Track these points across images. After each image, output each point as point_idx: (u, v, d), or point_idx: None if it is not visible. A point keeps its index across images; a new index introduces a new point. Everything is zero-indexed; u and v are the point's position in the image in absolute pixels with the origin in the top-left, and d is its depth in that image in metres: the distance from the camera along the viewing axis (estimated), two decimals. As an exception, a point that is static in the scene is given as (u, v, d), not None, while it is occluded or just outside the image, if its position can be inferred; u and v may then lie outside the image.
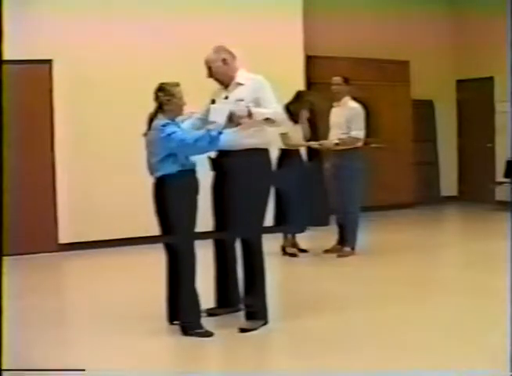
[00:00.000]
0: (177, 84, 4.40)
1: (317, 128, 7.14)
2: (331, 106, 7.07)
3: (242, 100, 4.36)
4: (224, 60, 4.48)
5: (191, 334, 4.29)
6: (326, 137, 7.02)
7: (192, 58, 7.45)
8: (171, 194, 4.28)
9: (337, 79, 6.95)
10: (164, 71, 7.33)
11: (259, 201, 4.42)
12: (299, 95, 6.95)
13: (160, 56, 7.61)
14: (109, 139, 7.49)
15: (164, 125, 4.24)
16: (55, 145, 7.49)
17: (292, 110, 6.87)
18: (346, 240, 6.95)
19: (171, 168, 4.26)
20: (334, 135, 6.90)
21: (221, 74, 4.50)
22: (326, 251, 7.04)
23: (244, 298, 4.54)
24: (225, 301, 4.72)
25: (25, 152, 7.17)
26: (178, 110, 4.41)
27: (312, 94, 7.46)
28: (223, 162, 4.44)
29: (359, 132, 6.84)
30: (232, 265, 4.67)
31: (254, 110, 4.29)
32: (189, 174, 4.33)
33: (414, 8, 10.45)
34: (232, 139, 4.21)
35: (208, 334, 4.29)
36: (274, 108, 4.39)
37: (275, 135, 6.54)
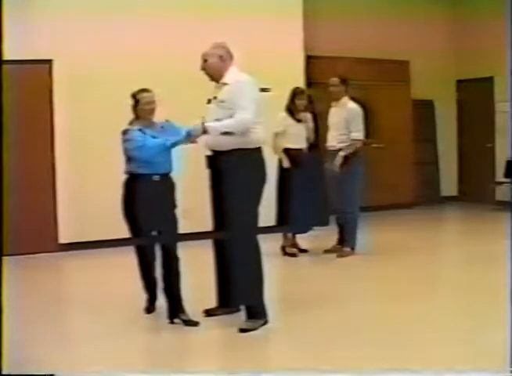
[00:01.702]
0: (144, 90, 4.61)
1: (318, 126, 7.14)
2: (329, 107, 7.08)
3: (223, 102, 4.38)
4: (220, 57, 4.50)
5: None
6: (324, 137, 7.02)
7: (193, 58, 7.50)
8: (136, 193, 4.53)
9: (334, 80, 6.95)
10: (164, 72, 7.38)
11: (249, 200, 4.40)
12: (294, 94, 6.93)
13: (159, 56, 7.60)
14: (109, 139, 7.41)
15: (125, 131, 4.54)
16: (55, 145, 7.49)
17: (292, 110, 6.88)
18: (345, 241, 6.96)
19: (138, 170, 4.52)
20: (333, 137, 6.90)
21: (212, 70, 4.50)
22: (326, 251, 7.04)
23: (242, 298, 4.54)
24: (226, 301, 4.72)
25: (25, 152, 7.17)
26: (145, 115, 4.58)
27: (307, 90, 7.40)
28: (217, 160, 4.45)
29: (359, 133, 6.84)
30: (232, 265, 4.64)
31: (209, 127, 4.29)
32: (148, 178, 4.48)
33: (414, 8, 10.44)
34: (222, 139, 4.34)
35: (195, 324, 4.49)
36: (237, 117, 4.30)
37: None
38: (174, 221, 4.63)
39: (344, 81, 6.96)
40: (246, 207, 4.38)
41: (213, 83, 4.59)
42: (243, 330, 4.35)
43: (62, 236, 7.52)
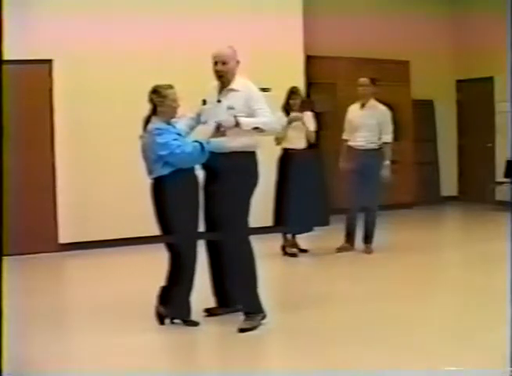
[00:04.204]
0: (170, 87, 4.45)
1: (320, 125, 7.14)
2: (338, 107, 7.10)
3: (233, 108, 4.37)
4: (237, 62, 4.50)
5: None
6: (325, 137, 7.02)
7: (193, 58, 7.51)
8: (166, 195, 4.35)
9: (364, 80, 6.98)
10: (164, 71, 7.36)
11: (241, 202, 4.44)
12: (289, 94, 6.93)
13: (159, 56, 7.61)
14: (109, 139, 7.50)
15: (158, 132, 4.30)
16: (55, 145, 7.49)
17: (287, 109, 6.87)
18: (371, 237, 7.07)
19: (162, 171, 4.33)
20: (364, 137, 6.93)
21: (230, 74, 4.45)
22: (339, 250, 7.06)
23: (238, 298, 4.55)
24: (224, 300, 4.72)
25: (25, 152, 7.17)
26: (172, 112, 4.45)
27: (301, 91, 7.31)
28: (211, 163, 4.43)
29: (390, 136, 6.95)
30: (225, 264, 4.60)
31: (241, 120, 4.32)
32: (185, 174, 4.36)
33: (414, 8, 10.44)
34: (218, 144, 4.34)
35: (194, 324, 4.48)
36: (266, 117, 4.40)
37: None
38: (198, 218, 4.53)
39: (373, 82, 6.98)
40: (239, 208, 4.42)
41: (207, 83, 4.58)
42: (242, 330, 4.34)
43: (62, 236, 7.52)
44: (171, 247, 4.49)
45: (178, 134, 4.43)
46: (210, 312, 4.71)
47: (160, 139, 4.28)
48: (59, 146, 7.49)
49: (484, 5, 10.09)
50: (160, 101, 4.39)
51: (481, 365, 3.60)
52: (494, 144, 10.67)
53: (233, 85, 4.45)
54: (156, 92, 4.41)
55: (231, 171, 4.37)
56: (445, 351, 3.92)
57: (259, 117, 4.39)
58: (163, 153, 4.27)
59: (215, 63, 4.45)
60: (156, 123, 4.38)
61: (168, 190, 4.34)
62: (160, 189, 4.39)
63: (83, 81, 7.41)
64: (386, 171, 6.86)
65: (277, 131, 4.73)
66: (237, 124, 4.31)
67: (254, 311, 4.45)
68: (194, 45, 7.56)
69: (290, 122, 6.75)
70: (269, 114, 4.45)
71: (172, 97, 4.41)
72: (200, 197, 4.54)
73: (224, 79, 4.46)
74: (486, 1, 10.00)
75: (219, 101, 4.47)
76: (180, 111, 4.52)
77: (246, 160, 4.46)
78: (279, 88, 7.13)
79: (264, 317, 4.47)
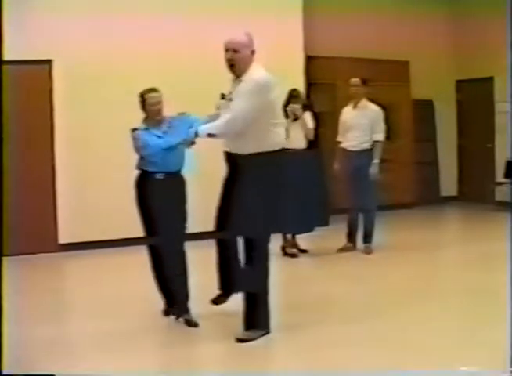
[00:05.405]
0: (151, 90, 4.59)
1: (318, 125, 7.14)
2: (338, 107, 7.10)
3: (232, 100, 4.09)
4: (252, 52, 4.14)
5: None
6: (325, 136, 7.02)
7: (192, 58, 7.51)
8: (141, 190, 4.61)
9: (355, 80, 7.00)
10: (164, 72, 7.38)
11: (263, 202, 4.11)
12: (290, 97, 6.92)
13: (160, 56, 7.60)
14: (109, 139, 7.49)
15: (132, 131, 4.56)
16: (55, 145, 7.49)
17: (288, 111, 6.85)
18: (370, 237, 7.09)
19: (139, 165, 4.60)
20: (355, 137, 6.95)
21: (243, 64, 4.05)
22: (341, 250, 7.08)
23: (244, 307, 4.28)
24: (229, 289, 4.49)
25: (25, 152, 7.18)
26: (153, 115, 4.57)
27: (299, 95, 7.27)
28: (235, 158, 4.24)
29: (381, 134, 6.96)
30: (234, 253, 4.37)
31: (199, 130, 4.07)
32: (153, 175, 4.49)
33: (414, 8, 10.44)
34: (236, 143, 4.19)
35: (195, 325, 4.49)
36: (227, 116, 4.01)
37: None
38: (180, 218, 4.59)
39: (365, 82, 7.01)
40: (259, 209, 4.09)
41: (214, 82, 4.52)
42: (240, 341, 4.16)
43: (62, 236, 7.52)
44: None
45: (158, 136, 4.49)
46: (214, 302, 4.51)
47: (133, 135, 4.54)
48: (59, 147, 7.49)
49: (483, 5, 10.08)
50: (141, 105, 4.59)
51: (481, 365, 3.59)
52: (494, 144, 10.66)
53: (245, 76, 4.04)
54: (140, 95, 4.60)
55: (251, 171, 4.07)
56: (445, 351, 3.92)
57: (231, 109, 3.99)
58: (135, 146, 4.52)
59: (226, 51, 4.07)
60: (142, 125, 4.57)
61: (144, 185, 4.57)
62: (139, 182, 4.62)
63: (83, 81, 7.41)
64: (374, 169, 6.87)
65: (237, 129, 4.01)
66: (196, 135, 4.09)
67: (259, 325, 4.24)
68: (194, 45, 7.56)
69: (292, 114, 6.74)
70: (236, 110, 3.98)
71: (150, 101, 4.55)
72: (185, 198, 4.62)
73: (235, 69, 4.06)
74: (486, 1, 10.00)
75: (230, 92, 4.17)
76: (167, 113, 4.58)
77: (268, 161, 4.10)
78: (279, 88, 7.11)
79: (266, 334, 4.25)
